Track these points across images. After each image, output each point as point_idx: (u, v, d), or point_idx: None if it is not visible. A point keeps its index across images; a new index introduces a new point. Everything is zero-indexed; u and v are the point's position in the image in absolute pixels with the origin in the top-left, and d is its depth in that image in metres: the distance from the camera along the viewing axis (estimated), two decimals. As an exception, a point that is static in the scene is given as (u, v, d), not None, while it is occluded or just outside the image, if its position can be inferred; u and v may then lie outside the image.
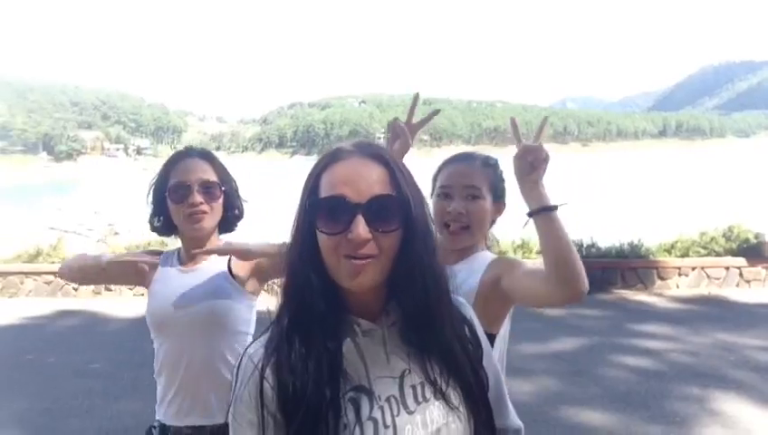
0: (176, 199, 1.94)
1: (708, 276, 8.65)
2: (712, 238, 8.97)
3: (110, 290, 8.64)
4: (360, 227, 0.98)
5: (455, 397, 1.09)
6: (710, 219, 10.18)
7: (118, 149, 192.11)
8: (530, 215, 1.54)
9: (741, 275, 8.63)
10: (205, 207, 1.94)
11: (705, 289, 8.57)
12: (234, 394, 1.06)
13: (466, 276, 1.72)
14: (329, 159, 1.06)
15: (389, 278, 1.04)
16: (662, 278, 8.66)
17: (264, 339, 1.09)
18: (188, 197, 1.91)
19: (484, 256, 1.80)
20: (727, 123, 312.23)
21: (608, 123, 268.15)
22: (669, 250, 8.96)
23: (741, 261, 8.63)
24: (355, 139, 1.15)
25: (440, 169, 1.86)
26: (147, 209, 2.05)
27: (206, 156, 2.02)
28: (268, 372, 1.03)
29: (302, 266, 1.04)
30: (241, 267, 2.00)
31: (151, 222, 2.05)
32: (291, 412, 1.00)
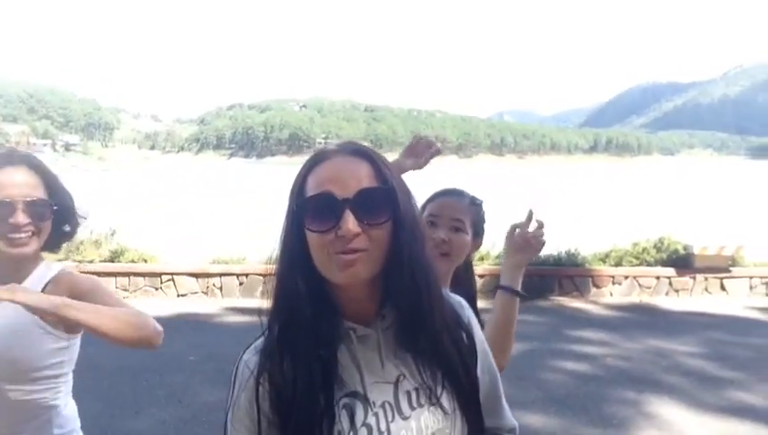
0: None
1: (640, 285, 8.96)
2: (644, 249, 9.31)
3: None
4: (350, 222, 0.97)
5: (448, 401, 1.08)
6: (641, 231, 10.58)
7: (45, 145, 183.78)
8: (500, 288, 1.78)
9: (670, 284, 8.99)
10: (30, 228, 1.62)
11: (636, 297, 8.88)
12: (231, 400, 1.07)
13: None
14: (313, 161, 1.05)
15: (382, 275, 1.02)
16: (597, 286, 8.92)
17: (259, 344, 1.08)
18: (10, 216, 1.58)
19: None
20: (654, 141, 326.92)
21: (542, 136, 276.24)
22: (604, 259, 9.24)
23: (670, 271, 9.00)
24: (339, 141, 1.15)
25: (430, 200, 1.95)
26: None
27: (33, 165, 1.69)
28: (263, 378, 1.03)
29: (291, 272, 1.03)
30: None
31: None
32: (286, 419, 1.01)
